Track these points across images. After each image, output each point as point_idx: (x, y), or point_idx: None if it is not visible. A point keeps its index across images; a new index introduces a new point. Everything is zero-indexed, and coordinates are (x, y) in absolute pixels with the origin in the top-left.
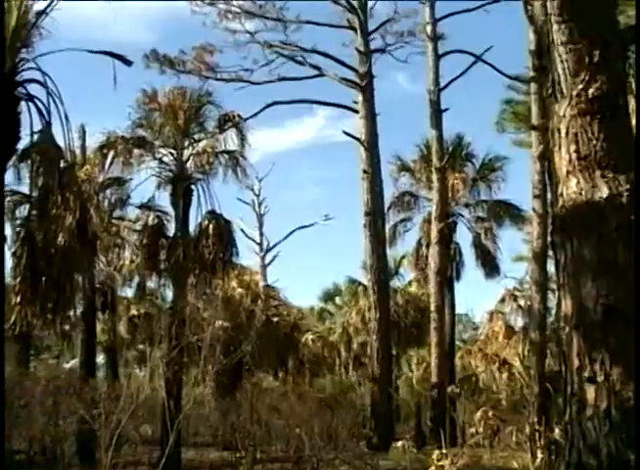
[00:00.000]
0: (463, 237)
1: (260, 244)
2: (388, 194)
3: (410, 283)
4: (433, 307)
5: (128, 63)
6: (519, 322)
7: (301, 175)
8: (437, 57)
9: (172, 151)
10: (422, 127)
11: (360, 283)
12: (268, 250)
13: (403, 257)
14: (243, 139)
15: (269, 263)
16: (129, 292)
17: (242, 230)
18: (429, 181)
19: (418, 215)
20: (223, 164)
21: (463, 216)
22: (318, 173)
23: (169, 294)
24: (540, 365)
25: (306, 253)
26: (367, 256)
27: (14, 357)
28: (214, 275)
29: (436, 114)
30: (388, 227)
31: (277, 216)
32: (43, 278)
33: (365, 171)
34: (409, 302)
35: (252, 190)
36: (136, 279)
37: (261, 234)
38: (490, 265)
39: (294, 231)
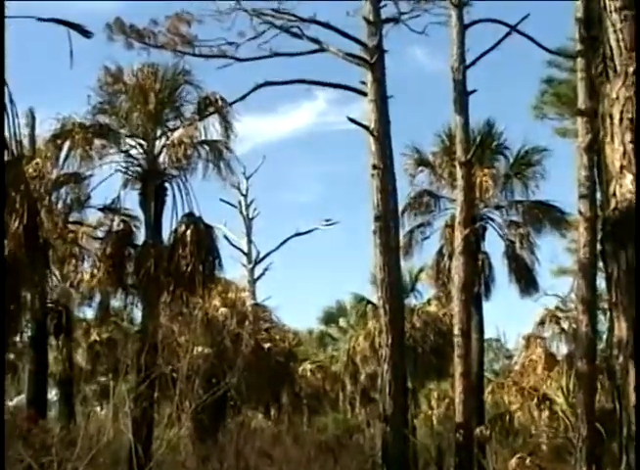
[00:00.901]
0: (493, 245)
1: (248, 254)
2: (403, 194)
3: (429, 301)
4: (457, 331)
5: (87, 34)
6: (562, 349)
7: (298, 171)
8: (463, 27)
9: (142, 141)
10: (444, 113)
11: (369, 301)
12: (258, 261)
13: (421, 270)
14: (227, 127)
15: (259, 277)
16: (89, 312)
17: (226, 237)
18: (452, 178)
19: (439, 220)
20: (204, 157)
21: (493, 221)
22: (318, 169)
23: (138, 315)
24: (589, 402)
25: (304, 265)
26: (377, 268)
27: None
28: (193, 292)
29: (462, 96)
30: (402, 234)
31: (269, 221)
32: None
33: (375, 167)
34: (428, 324)
35: (239, 189)
36: (97, 297)
37: (250, 242)
38: (527, 280)
39: (289, 239)
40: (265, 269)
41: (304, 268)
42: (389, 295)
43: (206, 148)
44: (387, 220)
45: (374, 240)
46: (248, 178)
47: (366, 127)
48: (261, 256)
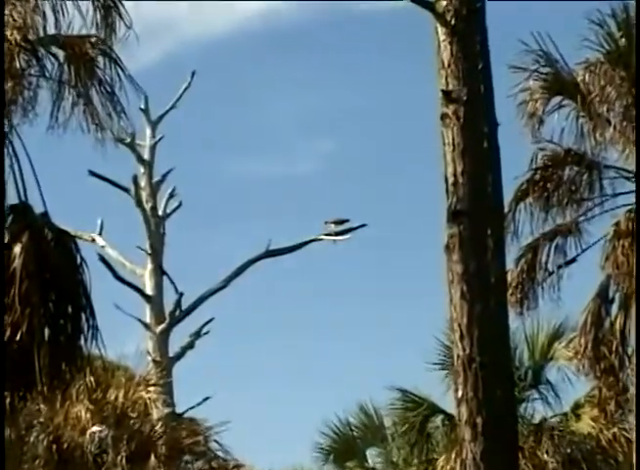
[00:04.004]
0: None
1: (154, 299)
2: (515, 161)
3: (577, 409)
4: None
5: None
6: None
7: (272, 107)
8: None
9: None
10: None
11: (436, 409)
12: (179, 317)
13: (558, 334)
14: (109, 7)
15: (182, 354)
16: None
17: (103, 261)
18: (631, 123)
19: (599, 221)
20: (56, 76)
21: None
22: (319, 102)
23: None
24: None
25: (282, 326)
26: (457, 333)
27: None
28: (27, 390)
29: None
30: (513, 254)
31: (204, 223)
32: None
33: (449, 97)
34: (575, 460)
35: (134, 148)
36: None
37: (160, 272)
38: None
39: (250, 264)
40: (196, 336)
41: (283, 334)
42: (484, 391)
43: (59, 54)
44: (475, 221)
45: (448, 267)
46: (155, 124)
47: (430, 6)
48: (185, 305)
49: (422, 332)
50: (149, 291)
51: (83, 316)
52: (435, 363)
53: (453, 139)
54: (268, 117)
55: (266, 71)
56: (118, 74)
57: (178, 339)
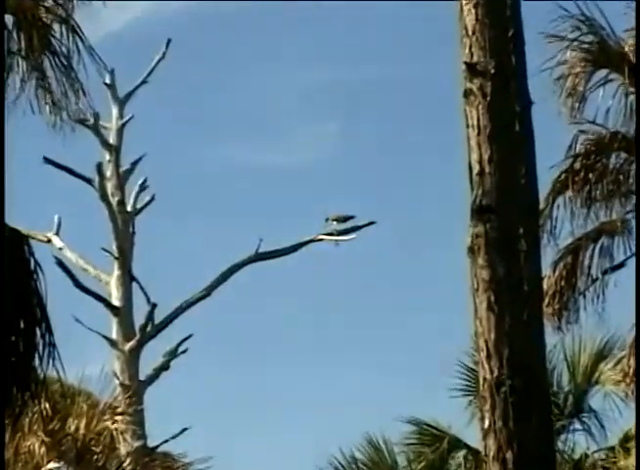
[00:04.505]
0: None
1: (120, 312)
2: (550, 146)
3: (626, 442)
4: None
5: None
6: None
7: (268, 84)
8: None
9: None
10: None
11: (457, 443)
12: (152, 332)
13: (603, 353)
14: None
15: (155, 377)
16: None
17: (61, 266)
18: None
19: None
20: (4, 44)
21: None
22: (320, 78)
23: None
24: None
25: (278, 340)
26: (482, 351)
27: None
28: None
29: None
30: (550, 258)
31: (184, 221)
32: None
33: (473, 69)
34: None
35: (98, 131)
36: None
37: (130, 278)
38: None
39: (238, 268)
40: (172, 355)
41: (275, 353)
42: (516, 421)
43: (8, 20)
44: (505, 218)
45: (472, 272)
46: (123, 102)
47: None
48: (159, 318)
49: (441, 351)
50: (115, 301)
51: (38, 332)
52: (457, 389)
53: (478, 120)
54: (260, 94)
55: (257, 41)
56: (77, 45)
57: (150, 359)
